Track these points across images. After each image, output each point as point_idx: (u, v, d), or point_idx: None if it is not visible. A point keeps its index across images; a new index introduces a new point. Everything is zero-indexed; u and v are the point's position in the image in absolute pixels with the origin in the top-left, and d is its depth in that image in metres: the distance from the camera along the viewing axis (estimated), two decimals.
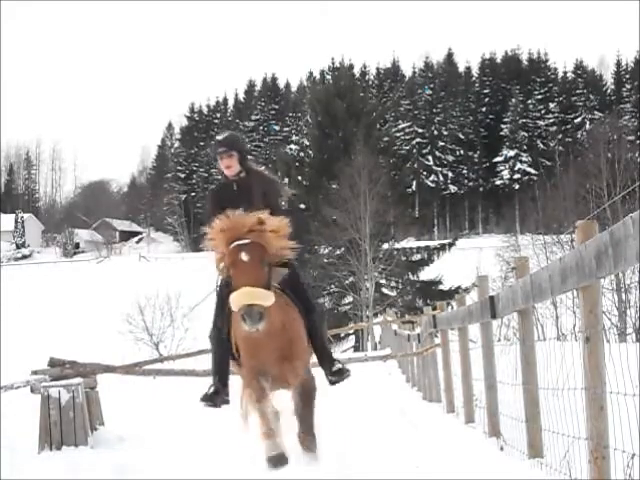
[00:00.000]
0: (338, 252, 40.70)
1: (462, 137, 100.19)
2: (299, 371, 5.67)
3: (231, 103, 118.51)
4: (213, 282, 5.90)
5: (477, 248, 55.47)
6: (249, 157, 6.16)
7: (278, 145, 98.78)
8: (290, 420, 5.85)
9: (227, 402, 5.85)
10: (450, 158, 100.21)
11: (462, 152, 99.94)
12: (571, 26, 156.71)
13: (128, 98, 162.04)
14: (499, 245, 42.52)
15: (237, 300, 5.18)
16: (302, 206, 43.21)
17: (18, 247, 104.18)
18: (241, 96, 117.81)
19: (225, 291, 5.61)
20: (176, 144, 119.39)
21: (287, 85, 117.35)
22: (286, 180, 44.65)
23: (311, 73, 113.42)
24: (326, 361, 5.94)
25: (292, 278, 5.74)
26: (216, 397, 5.81)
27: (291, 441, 5.79)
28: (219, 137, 6.05)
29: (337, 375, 5.92)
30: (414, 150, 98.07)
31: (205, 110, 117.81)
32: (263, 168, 6.48)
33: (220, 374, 5.86)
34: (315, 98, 48.58)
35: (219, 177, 6.47)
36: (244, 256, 5.28)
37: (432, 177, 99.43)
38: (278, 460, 5.35)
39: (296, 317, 5.69)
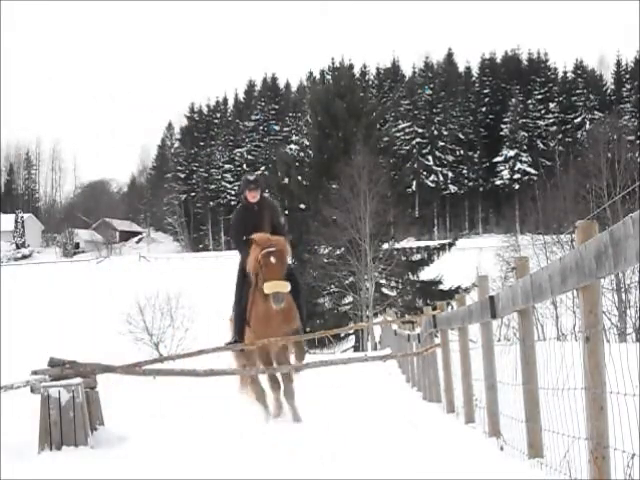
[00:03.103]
0: (338, 252, 40.68)
1: (462, 137, 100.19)
2: (294, 326, 8.79)
3: (231, 103, 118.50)
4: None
5: (477, 248, 55.45)
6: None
7: (278, 145, 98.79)
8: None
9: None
10: (450, 158, 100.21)
11: (462, 152, 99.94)
12: (571, 26, 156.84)
13: (128, 98, 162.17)
14: (499, 245, 42.51)
15: (269, 287, 8.19)
16: (302, 206, 43.21)
17: (18, 247, 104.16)
18: (241, 96, 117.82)
19: (243, 279, 8.82)
20: (176, 144, 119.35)
21: (287, 85, 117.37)
22: (286, 180, 44.66)
23: (311, 73, 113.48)
24: (303, 324, 9.15)
25: (289, 272, 8.87)
26: (236, 344, 8.96)
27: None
28: (250, 177, 9.08)
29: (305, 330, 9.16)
30: (414, 150, 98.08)
31: (205, 110, 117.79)
32: (267, 196, 9.72)
33: (238, 331, 8.89)
34: (315, 98, 48.59)
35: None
36: (273, 259, 8.26)
37: (432, 177, 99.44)
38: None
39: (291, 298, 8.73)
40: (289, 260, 8.73)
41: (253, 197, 8.80)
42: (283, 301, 8.08)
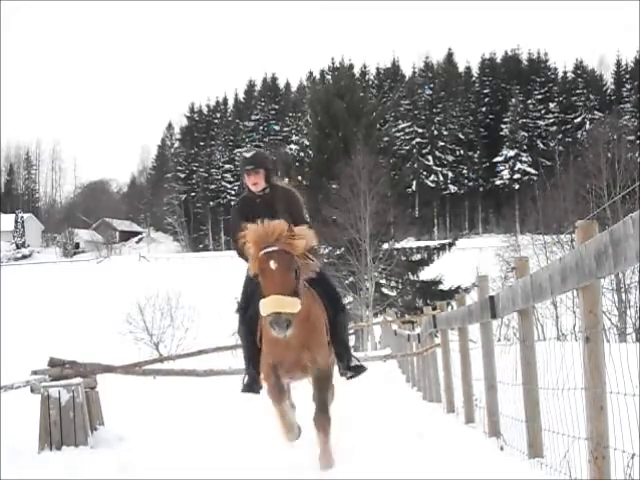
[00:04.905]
0: (338, 252, 40.65)
1: (462, 137, 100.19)
2: (317, 359, 6.01)
3: (231, 103, 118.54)
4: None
5: (477, 248, 55.50)
6: (274, 173, 6.43)
7: (278, 145, 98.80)
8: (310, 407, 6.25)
9: (262, 388, 6.25)
10: (450, 158, 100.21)
11: (462, 152, 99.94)
12: (571, 26, 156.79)
13: (128, 98, 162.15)
14: (499, 245, 42.52)
15: (266, 307, 5.47)
16: None
17: (18, 247, 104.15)
18: (241, 96, 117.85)
19: (250, 288, 6.07)
20: (176, 144, 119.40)
21: (287, 85, 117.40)
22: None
23: (311, 73, 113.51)
24: (345, 357, 6.29)
25: (320, 276, 6.14)
26: (254, 385, 6.27)
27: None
28: (247, 154, 6.24)
29: (354, 370, 6.28)
30: (414, 150, 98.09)
31: (205, 110, 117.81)
32: (286, 182, 6.78)
33: (253, 364, 6.22)
34: (315, 98, 48.55)
35: (236, 189, 6.91)
36: (272, 264, 5.51)
37: (432, 177, 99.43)
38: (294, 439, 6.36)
39: (319, 313, 6.06)
40: (308, 262, 5.81)
41: (254, 184, 6.13)
42: (288, 328, 5.39)
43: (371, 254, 39.57)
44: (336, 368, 6.38)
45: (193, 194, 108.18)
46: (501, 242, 43.54)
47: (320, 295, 6.15)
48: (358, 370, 6.29)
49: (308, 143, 48.13)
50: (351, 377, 6.30)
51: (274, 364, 5.97)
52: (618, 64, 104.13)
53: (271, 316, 5.40)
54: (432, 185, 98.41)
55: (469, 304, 7.68)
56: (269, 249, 5.54)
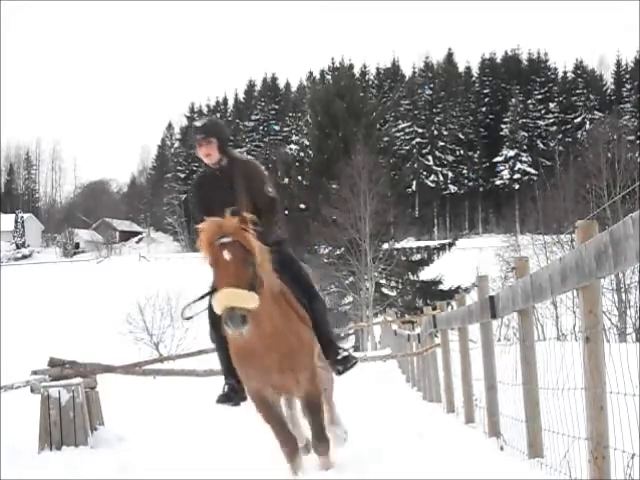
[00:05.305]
0: (338, 252, 40.66)
1: (462, 137, 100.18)
2: (302, 382, 5.44)
3: (231, 103, 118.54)
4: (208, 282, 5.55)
5: (477, 248, 55.52)
6: (229, 144, 5.82)
7: (278, 145, 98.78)
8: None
9: (244, 399, 5.61)
10: (450, 158, 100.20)
11: (462, 152, 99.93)
12: (571, 26, 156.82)
13: (128, 98, 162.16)
14: (499, 245, 42.58)
15: (219, 302, 4.89)
16: (302, 206, 43.20)
17: (18, 247, 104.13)
18: (241, 96, 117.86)
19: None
20: (176, 144, 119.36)
21: (287, 85, 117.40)
22: (286, 180, 44.65)
23: (311, 73, 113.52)
24: (331, 351, 5.69)
25: (289, 265, 5.58)
26: (233, 395, 5.61)
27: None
28: (197, 123, 5.71)
29: (343, 364, 5.67)
30: (414, 150, 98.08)
31: (205, 110, 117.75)
32: (246, 156, 6.17)
33: (232, 371, 5.54)
34: (315, 98, 48.59)
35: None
36: (226, 254, 4.96)
37: (432, 177, 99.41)
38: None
39: (297, 319, 5.44)
40: (260, 253, 5.11)
41: (207, 155, 5.66)
42: (244, 324, 4.76)
43: (371, 254, 39.58)
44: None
45: None
46: (501, 242, 43.61)
47: (288, 283, 5.45)
48: (346, 362, 5.64)
49: (308, 143, 48.16)
50: (343, 372, 5.68)
51: (257, 387, 5.40)
52: (618, 64, 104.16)
53: (224, 312, 4.79)
54: (432, 185, 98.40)
55: (469, 304, 7.68)
56: (224, 239, 4.99)
